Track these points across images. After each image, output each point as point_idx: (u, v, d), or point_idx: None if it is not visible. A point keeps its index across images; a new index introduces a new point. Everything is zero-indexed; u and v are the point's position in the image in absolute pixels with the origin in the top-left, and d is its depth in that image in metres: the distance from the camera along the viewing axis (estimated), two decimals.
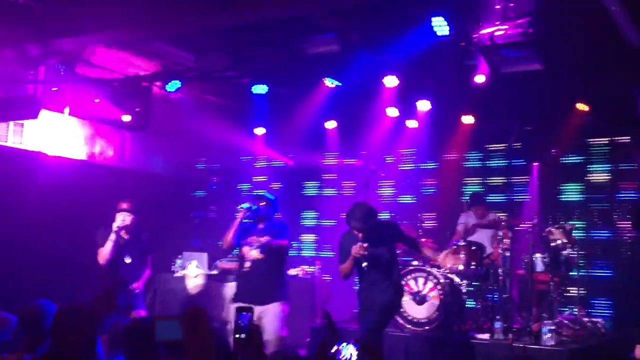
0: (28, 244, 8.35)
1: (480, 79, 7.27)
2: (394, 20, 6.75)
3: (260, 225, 6.51)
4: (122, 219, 6.88)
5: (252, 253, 6.42)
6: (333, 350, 3.54)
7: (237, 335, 2.87)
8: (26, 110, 7.70)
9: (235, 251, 6.88)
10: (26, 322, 4.27)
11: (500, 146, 9.79)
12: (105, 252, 6.82)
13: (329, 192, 11.30)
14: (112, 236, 6.80)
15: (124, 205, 6.95)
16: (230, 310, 6.63)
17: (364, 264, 6.03)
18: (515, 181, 9.67)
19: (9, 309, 4.86)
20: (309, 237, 11.22)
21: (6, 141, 8.71)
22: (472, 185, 10.05)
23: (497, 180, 9.93)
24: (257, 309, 6.14)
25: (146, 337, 3.60)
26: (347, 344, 3.84)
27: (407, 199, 9.82)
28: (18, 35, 7.43)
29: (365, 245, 5.95)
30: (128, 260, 6.90)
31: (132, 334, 3.72)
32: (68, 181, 9.05)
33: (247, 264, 6.46)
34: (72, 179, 9.15)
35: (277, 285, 6.45)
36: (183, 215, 11.84)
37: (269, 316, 6.27)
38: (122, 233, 6.88)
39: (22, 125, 8.83)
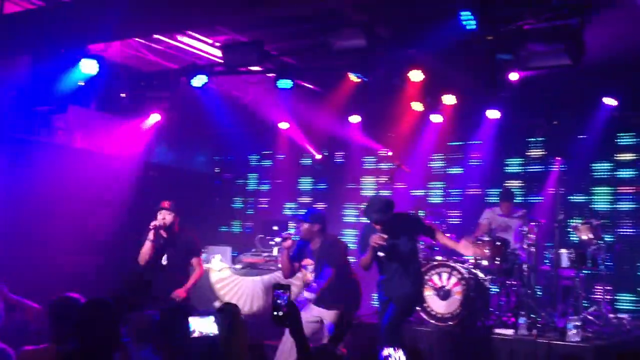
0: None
1: (514, 76, 7.22)
2: (421, 14, 6.72)
3: (313, 245, 6.46)
4: (161, 217, 6.78)
5: (309, 277, 6.82)
6: (384, 354, 3.55)
7: (275, 313, 2.91)
8: (55, 105, 7.77)
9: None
10: (56, 315, 4.32)
11: (530, 140, 9.68)
12: (144, 252, 6.74)
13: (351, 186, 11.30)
14: (150, 235, 6.71)
15: (165, 204, 6.85)
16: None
17: (381, 254, 6.14)
18: (540, 176, 9.63)
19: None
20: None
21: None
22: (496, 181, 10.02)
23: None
24: (320, 312, 6.40)
25: (177, 330, 3.66)
26: (395, 349, 3.84)
27: (432, 194, 9.78)
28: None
29: (384, 236, 6.04)
30: (165, 262, 6.83)
31: (163, 327, 3.77)
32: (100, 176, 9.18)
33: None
34: (103, 174, 9.27)
35: (337, 292, 6.39)
36: (207, 210, 11.92)
37: (326, 321, 6.37)
38: (161, 232, 6.77)
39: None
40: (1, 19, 7.49)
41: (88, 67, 7.54)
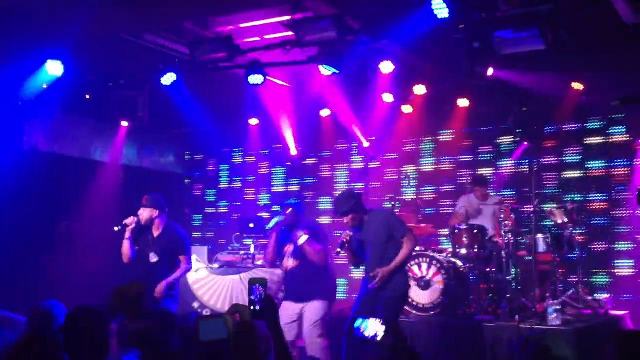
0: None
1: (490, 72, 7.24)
2: (392, 4, 6.69)
3: (295, 233, 6.57)
4: (139, 214, 6.74)
5: (289, 263, 6.64)
6: (357, 326, 3.53)
7: (252, 307, 2.91)
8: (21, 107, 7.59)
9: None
10: (35, 323, 4.21)
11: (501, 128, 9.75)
12: (123, 251, 6.68)
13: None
14: (126, 233, 6.66)
15: (143, 200, 6.84)
16: (282, 308, 6.64)
17: (339, 250, 6.11)
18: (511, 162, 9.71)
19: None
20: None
21: None
22: (467, 169, 10.06)
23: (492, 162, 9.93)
24: (298, 307, 6.56)
25: (163, 339, 3.57)
26: (367, 319, 3.82)
27: (405, 184, 9.76)
28: None
29: (348, 232, 6.09)
30: (154, 259, 6.72)
31: (148, 336, 3.67)
32: (69, 179, 8.99)
33: (284, 269, 6.78)
34: (71, 177, 9.08)
35: (317, 281, 6.58)
36: (181, 210, 11.78)
37: (307, 313, 6.51)
38: (128, 229, 6.66)
39: None
40: None
41: (54, 68, 7.35)
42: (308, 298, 6.53)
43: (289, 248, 6.63)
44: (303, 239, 6.47)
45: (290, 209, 6.60)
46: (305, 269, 6.52)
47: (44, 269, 8.33)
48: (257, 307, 2.92)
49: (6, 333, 4.68)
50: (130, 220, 6.66)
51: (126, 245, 6.66)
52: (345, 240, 6.03)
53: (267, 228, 6.71)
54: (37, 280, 8.06)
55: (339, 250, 6.06)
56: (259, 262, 9.15)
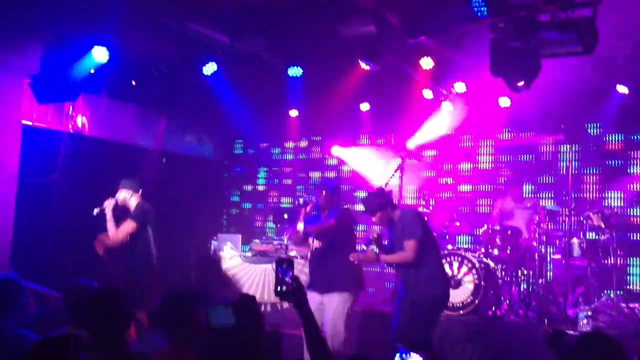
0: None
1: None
2: (431, 2, 6.66)
3: (324, 215, 6.52)
4: (115, 196, 7.04)
5: (315, 243, 6.53)
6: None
7: (278, 288, 2.90)
8: (65, 93, 7.78)
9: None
10: (70, 302, 4.36)
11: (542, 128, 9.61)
12: (109, 229, 6.92)
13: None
14: (108, 215, 6.93)
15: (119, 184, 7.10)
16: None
17: (364, 247, 6.01)
18: (552, 164, 9.56)
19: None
20: None
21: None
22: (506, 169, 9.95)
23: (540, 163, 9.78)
24: (320, 298, 6.33)
25: (183, 317, 3.67)
26: (411, 354, 3.74)
27: (442, 182, 9.72)
28: None
29: (376, 230, 5.98)
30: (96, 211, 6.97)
31: (166, 314, 3.77)
32: (112, 164, 9.19)
33: (309, 254, 6.65)
34: (114, 162, 9.28)
35: (337, 272, 6.34)
36: (219, 198, 11.95)
37: (328, 307, 6.28)
38: (108, 209, 6.94)
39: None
40: (13, 4, 7.50)
41: (100, 54, 7.53)
42: (327, 289, 6.32)
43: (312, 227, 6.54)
44: (300, 226, 6.48)
45: (324, 191, 6.51)
46: (325, 258, 6.39)
47: (83, 250, 8.54)
48: (284, 288, 2.90)
49: (43, 306, 4.88)
50: (108, 202, 6.97)
51: (110, 226, 6.91)
52: (372, 237, 5.91)
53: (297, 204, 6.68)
54: (78, 261, 8.27)
55: (364, 247, 5.92)
56: (292, 253, 9.23)
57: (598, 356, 3.13)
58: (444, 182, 9.93)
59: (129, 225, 6.91)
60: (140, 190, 7.16)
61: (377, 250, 5.97)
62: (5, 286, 4.28)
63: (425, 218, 6.44)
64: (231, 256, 9.32)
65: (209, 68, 8.24)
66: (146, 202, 7.15)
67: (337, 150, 10.97)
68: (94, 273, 5.31)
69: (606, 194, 9.11)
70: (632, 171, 9.05)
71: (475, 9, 5.93)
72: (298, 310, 2.94)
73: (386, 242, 5.98)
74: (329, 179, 9.87)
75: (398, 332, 5.80)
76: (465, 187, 10.21)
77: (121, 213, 7.05)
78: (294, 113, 10.80)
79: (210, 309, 2.78)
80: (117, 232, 6.90)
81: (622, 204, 8.97)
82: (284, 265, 2.92)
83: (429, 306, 5.78)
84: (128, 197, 7.06)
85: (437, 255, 6.01)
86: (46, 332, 4.20)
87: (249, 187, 12.30)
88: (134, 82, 9.45)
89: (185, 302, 3.77)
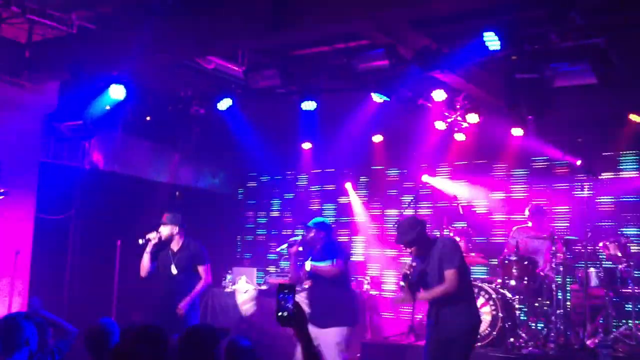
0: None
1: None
2: (445, 35, 6.74)
3: (316, 251, 6.59)
4: (159, 230, 7.08)
5: (307, 282, 6.63)
6: None
7: (279, 313, 2.89)
8: (83, 129, 7.91)
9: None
10: (92, 341, 4.37)
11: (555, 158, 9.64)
12: (143, 264, 7.02)
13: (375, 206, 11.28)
14: (147, 247, 7.01)
15: (163, 218, 7.15)
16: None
17: (402, 284, 5.63)
18: (567, 194, 9.55)
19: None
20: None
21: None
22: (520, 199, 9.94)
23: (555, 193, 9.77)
24: (314, 332, 6.17)
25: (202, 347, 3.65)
26: None
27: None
28: None
29: (409, 263, 5.73)
30: (174, 271, 7.02)
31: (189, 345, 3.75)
32: (126, 197, 9.27)
33: (305, 291, 6.69)
34: (129, 196, 9.36)
35: (332, 307, 6.36)
36: (233, 231, 11.98)
37: (323, 342, 6.16)
38: (150, 244, 7.00)
39: None
40: (31, 45, 7.66)
41: (116, 92, 7.64)
42: (323, 324, 6.23)
43: (309, 264, 6.55)
44: (307, 265, 6.50)
45: (312, 231, 6.57)
46: (320, 292, 6.41)
47: (100, 284, 8.57)
48: (285, 314, 2.89)
49: (61, 345, 4.89)
50: (153, 235, 7.05)
51: (146, 259, 7.04)
52: (408, 272, 5.63)
53: (279, 250, 6.78)
54: (94, 295, 8.31)
55: (402, 284, 5.64)
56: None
57: None
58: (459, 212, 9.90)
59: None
60: (185, 226, 7.24)
61: (406, 286, 5.66)
62: (10, 323, 4.33)
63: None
64: (246, 290, 9.33)
65: (224, 103, 8.34)
66: (191, 237, 7.25)
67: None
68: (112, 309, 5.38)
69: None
70: None
71: (488, 42, 6.02)
72: (299, 336, 2.95)
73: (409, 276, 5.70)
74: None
75: None
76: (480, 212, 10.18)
77: (161, 246, 7.11)
78: (307, 146, 10.87)
79: None
80: None
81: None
82: (285, 291, 2.92)
83: (468, 338, 5.60)
84: (175, 232, 7.12)
85: (471, 285, 5.89)
86: None
87: (263, 219, 12.31)
88: (148, 118, 9.58)
89: (203, 339, 3.76)
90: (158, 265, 7.12)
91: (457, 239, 8.16)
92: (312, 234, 6.56)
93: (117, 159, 9.68)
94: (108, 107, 8.29)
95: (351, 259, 6.89)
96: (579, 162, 8.61)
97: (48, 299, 7.20)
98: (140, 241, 7.02)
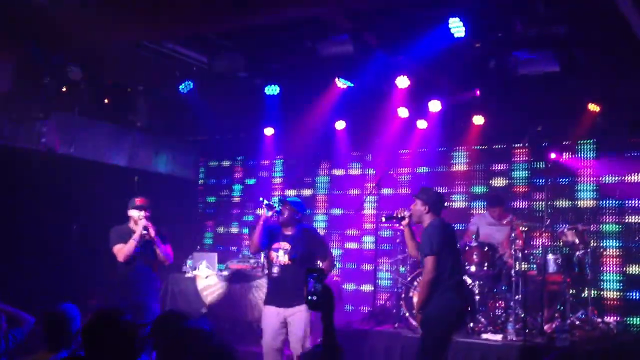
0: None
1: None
2: (409, 21, 6.73)
3: (287, 231, 6.44)
4: (142, 215, 6.81)
5: (281, 259, 6.36)
6: None
7: (309, 297, 2.96)
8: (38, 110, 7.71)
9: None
10: (52, 326, 4.27)
11: (515, 146, 9.73)
12: (127, 250, 6.71)
13: (337, 192, 11.27)
14: (136, 235, 6.73)
15: (140, 202, 6.90)
16: (264, 311, 6.55)
17: (382, 219, 6.18)
18: (525, 182, 9.67)
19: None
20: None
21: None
22: (480, 186, 10.04)
23: (506, 181, 9.88)
24: (285, 312, 6.26)
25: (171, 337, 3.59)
26: None
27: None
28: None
29: (408, 211, 5.93)
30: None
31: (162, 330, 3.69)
32: (83, 182, 9.07)
33: (276, 269, 6.40)
34: (85, 181, 9.16)
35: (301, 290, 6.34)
36: (192, 216, 11.85)
37: (296, 320, 6.21)
38: (148, 232, 6.78)
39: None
40: None
41: (74, 72, 7.46)
42: (292, 304, 6.21)
43: (284, 245, 6.39)
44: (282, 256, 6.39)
45: (289, 207, 6.42)
46: (293, 274, 6.22)
47: (56, 270, 8.40)
48: (314, 298, 2.91)
49: (16, 332, 4.77)
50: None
51: (132, 246, 6.73)
52: (397, 215, 5.89)
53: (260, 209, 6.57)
54: (49, 281, 8.13)
55: (382, 219, 6.07)
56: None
57: None
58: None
59: None
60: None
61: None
62: None
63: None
64: (207, 275, 9.24)
65: (185, 86, 8.22)
66: None
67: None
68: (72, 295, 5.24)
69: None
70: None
71: (453, 29, 6.04)
72: (325, 319, 2.95)
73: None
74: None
75: None
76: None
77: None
78: (269, 131, 10.78)
79: None
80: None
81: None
82: (314, 275, 2.92)
83: (431, 325, 5.64)
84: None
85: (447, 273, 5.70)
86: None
87: (224, 205, 12.20)
88: (107, 100, 9.37)
89: (172, 323, 3.70)
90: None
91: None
92: (286, 212, 6.40)
93: (74, 142, 9.44)
94: (64, 88, 8.12)
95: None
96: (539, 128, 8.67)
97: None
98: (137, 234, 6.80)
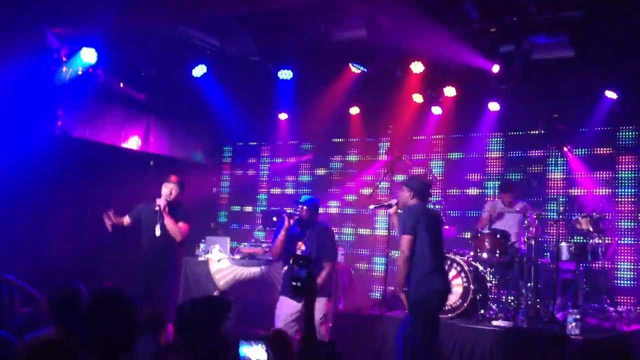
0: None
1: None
2: (422, 5, 6.67)
3: (306, 231, 6.67)
4: (168, 191, 6.94)
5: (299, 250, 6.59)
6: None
7: (294, 283, 2.98)
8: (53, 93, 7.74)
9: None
10: (58, 305, 4.30)
11: (531, 133, 9.63)
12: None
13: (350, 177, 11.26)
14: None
15: (174, 179, 7.05)
16: (280, 300, 6.71)
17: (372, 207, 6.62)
18: (541, 169, 9.59)
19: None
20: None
21: None
22: (496, 174, 9.97)
23: (529, 168, 9.77)
24: (298, 303, 6.30)
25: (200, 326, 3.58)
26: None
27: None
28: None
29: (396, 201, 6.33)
30: (158, 232, 6.94)
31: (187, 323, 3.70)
32: (98, 165, 9.13)
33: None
34: (100, 163, 9.21)
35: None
36: (206, 200, 11.89)
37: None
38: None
39: None
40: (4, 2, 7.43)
41: (88, 56, 7.48)
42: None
43: (301, 246, 6.63)
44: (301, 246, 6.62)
45: (305, 207, 6.62)
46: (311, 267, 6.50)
47: (70, 251, 8.48)
48: (299, 284, 2.95)
49: (32, 311, 4.82)
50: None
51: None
52: (388, 203, 6.21)
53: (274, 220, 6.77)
54: (65, 262, 8.20)
55: (371, 207, 6.52)
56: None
57: None
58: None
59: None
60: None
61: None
62: None
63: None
64: (219, 259, 9.29)
65: (199, 70, 8.21)
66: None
67: None
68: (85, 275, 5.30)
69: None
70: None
71: (467, 12, 5.97)
72: (307, 305, 2.99)
73: None
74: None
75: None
76: (454, 191, 10.22)
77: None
78: (283, 116, 10.77)
79: (243, 347, 2.77)
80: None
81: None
82: (300, 262, 2.97)
83: (414, 309, 5.78)
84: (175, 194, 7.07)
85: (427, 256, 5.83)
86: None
87: (237, 189, 12.24)
88: (122, 84, 9.39)
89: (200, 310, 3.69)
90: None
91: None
92: (305, 214, 6.63)
93: (89, 125, 9.48)
94: (80, 71, 8.14)
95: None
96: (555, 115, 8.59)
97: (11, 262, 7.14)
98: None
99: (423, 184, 6.12)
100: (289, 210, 6.75)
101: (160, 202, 6.89)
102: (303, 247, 6.60)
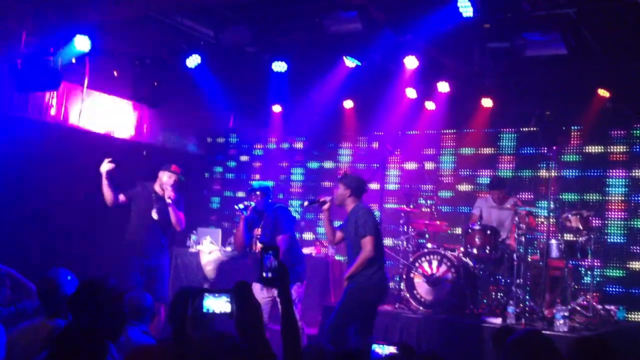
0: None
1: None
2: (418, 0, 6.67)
3: (261, 217, 6.91)
4: (171, 180, 7.16)
5: (257, 245, 6.87)
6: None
7: (264, 274, 2.94)
8: (47, 81, 7.69)
9: None
10: (45, 291, 4.29)
11: (523, 130, 9.65)
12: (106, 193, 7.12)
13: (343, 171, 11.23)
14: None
15: (176, 169, 7.27)
16: (254, 289, 6.70)
17: (305, 203, 6.72)
18: (532, 166, 9.61)
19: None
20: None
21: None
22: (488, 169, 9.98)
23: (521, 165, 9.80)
24: (270, 290, 6.56)
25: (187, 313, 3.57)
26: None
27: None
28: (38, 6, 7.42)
29: (328, 198, 6.45)
30: (155, 216, 7.13)
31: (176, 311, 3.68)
32: (91, 155, 9.08)
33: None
34: (92, 153, 9.16)
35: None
36: (199, 191, 11.88)
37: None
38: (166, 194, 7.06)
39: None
40: None
41: (81, 44, 7.45)
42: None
43: (257, 231, 6.86)
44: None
45: (258, 193, 6.84)
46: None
47: (60, 240, 8.46)
48: (269, 275, 2.94)
49: (25, 303, 4.80)
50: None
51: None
52: (319, 200, 6.31)
53: (236, 210, 6.84)
54: (52, 251, 8.19)
55: (305, 203, 6.60)
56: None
57: (530, 353, 3.46)
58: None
59: None
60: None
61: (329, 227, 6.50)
62: None
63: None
64: (210, 250, 9.28)
65: (192, 61, 8.19)
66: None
67: None
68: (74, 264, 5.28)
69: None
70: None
71: (462, 8, 5.97)
72: (281, 296, 2.98)
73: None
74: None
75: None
76: (446, 192, 10.24)
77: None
78: (277, 108, 10.76)
79: (206, 299, 2.75)
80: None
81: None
82: (269, 252, 2.95)
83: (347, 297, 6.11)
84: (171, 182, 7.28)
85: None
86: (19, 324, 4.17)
87: (230, 180, 12.23)
88: (115, 73, 9.37)
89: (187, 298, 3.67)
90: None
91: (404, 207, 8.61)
92: (257, 194, 6.86)
93: (82, 114, 9.44)
94: (74, 60, 8.10)
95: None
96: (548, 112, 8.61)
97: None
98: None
99: (359, 181, 6.33)
100: (241, 205, 6.84)
101: (169, 193, 7.06)
102: (259, 232, 6.82)
